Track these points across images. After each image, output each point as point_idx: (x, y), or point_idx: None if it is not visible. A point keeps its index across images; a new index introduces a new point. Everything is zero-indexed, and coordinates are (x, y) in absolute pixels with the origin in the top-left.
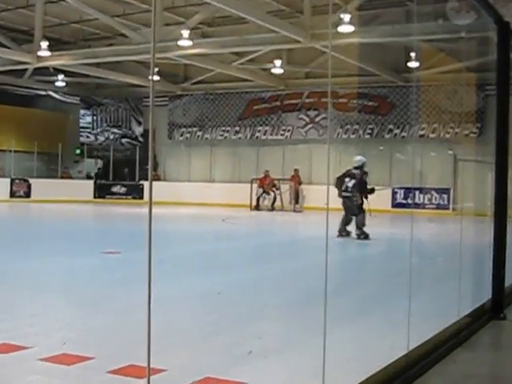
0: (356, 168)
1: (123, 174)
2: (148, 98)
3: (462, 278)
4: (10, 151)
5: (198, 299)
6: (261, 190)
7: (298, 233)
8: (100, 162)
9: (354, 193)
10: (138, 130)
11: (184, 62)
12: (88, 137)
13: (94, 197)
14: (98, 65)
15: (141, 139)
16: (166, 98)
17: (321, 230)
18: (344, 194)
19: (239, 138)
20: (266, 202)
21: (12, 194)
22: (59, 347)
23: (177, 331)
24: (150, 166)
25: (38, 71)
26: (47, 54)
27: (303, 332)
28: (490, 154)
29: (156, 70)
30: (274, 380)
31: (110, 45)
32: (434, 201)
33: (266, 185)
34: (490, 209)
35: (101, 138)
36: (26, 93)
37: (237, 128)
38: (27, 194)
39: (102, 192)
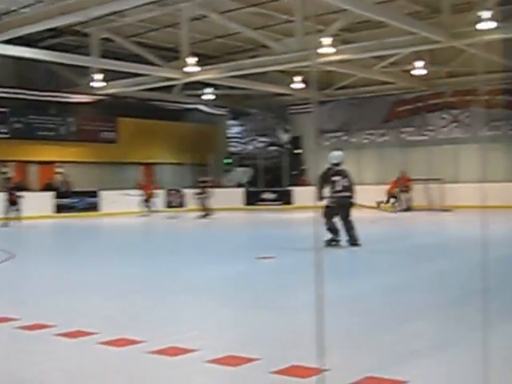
0: (336, 165)
1: (271, 180)
2: (293, 105)
3: None
4: (164, 164)
5: (360, 300)
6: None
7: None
8: (249, 170)
9: (351, 193)
10: (284, 137)
11: (327, 68)
12: (236, 146)
13: (245, 204)
14: (243, 77)
15: (287, 146)
16: (311, 105)
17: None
18: (343, 193)
19: (385, 140)
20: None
21: (168, 204)
22: (224, 349)
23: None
24: None
25: (187, 86)
26: (194, 69)
27: (461, 330)
28: None
29: (300, 78)
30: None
31: (254, 56)
32: None
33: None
34: None
35: (249, 147)
36: (175, 107)
37: (382, 131)
38: (181, 204)
39: (252, 199)
